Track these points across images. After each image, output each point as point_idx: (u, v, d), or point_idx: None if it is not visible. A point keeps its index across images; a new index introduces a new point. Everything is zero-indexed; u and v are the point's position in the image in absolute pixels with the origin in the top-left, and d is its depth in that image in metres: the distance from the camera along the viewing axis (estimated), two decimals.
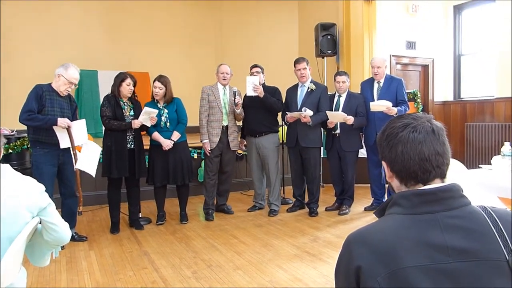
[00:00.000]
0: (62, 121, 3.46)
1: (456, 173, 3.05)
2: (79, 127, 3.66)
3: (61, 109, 3.59)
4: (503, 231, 0.93)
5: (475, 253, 0.90)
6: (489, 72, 6.56)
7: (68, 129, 3.51)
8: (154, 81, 4.19)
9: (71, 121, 3.71)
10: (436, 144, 1.00)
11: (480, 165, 3.42)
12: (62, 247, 3.54)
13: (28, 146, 4.45)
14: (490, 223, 0.94)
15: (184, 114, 4.25)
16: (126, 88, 3.95)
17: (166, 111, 4.17)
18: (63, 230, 1.64)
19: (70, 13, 7.50)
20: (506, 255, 0.90)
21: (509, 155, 3.08)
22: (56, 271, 3.08)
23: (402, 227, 0.94)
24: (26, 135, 4.23)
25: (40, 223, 1.60)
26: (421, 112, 5.95)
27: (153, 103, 4.19)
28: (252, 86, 4.34)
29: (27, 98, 3.49)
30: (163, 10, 8.28)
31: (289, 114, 4.46)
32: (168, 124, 4.17)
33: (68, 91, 3.63)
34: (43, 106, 3.49)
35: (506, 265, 0.90)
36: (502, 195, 2.62)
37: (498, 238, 0.92)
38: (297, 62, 4.56)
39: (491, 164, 3.22)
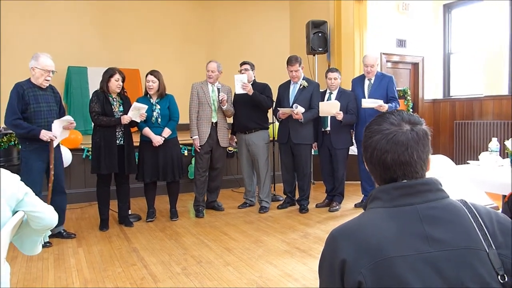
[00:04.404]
0: (45, 134, 3.41)
1: (445, 168, 3.08)
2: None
3: (47, 103, 3.54)
4: (483, 225, 0.95)
5: (454, 242, 0.92)
6: (478, 70, 6.62)
7: (51, 141, 3.46)
8: (146, 75, 4.16)
9: (60, 112, 3.68)
10: (403, 155, 1.00)
11: (468, 161, 3.46)
12: (49, 243, 3.50)
13: (16, 142, 4.38)
14: (469, 216, 0.96)
15: (176, 111, 4.24)
16: (115, 83, 3.91)
17: (158, 107, 4.15)
18: (48, 215, 1.62)
19: (61, 10, 7.41)
20: (486, 248, 0.92)
21: (496, 151, 3.12)
22: (43, 268, 3.04)
23: (384, 220, 0.96)
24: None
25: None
26: (410, 111, 6.00)
27: (145, 99, 4.16)
28: (240, 84, 4.33)
29: (10, 99, 3.41)
30: (155, 8, 8.22)
31: (281, 110, 4.45)
32: (159, 120, 4.14)
33: (48, 80, 3.53)
34: (27, 105, 3.41)
35: (486, 256, 0.92)
36: (489, 190, 2.65)
37: (478, 231, 0.94)
38: (290, 63, 4.49)
39: (479, 160, 3.25)
